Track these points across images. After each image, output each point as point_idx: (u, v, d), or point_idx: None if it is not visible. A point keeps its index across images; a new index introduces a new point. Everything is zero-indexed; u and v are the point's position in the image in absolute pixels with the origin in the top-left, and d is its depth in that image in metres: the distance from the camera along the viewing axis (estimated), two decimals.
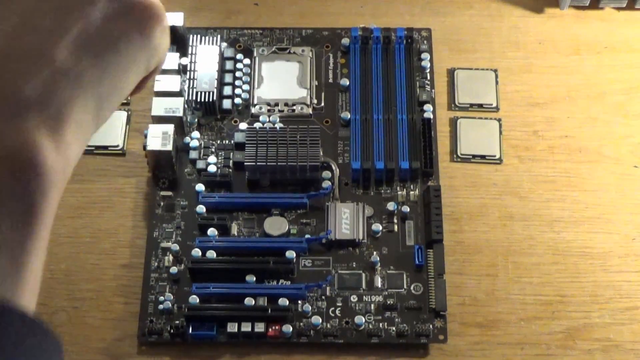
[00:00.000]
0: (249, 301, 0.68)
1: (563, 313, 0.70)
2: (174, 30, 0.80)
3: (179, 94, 0.77)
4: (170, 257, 0.71)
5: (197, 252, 0.70)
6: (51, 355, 0.33)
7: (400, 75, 0.79)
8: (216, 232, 0.71)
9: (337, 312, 0.69)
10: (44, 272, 0.73)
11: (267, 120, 0.77)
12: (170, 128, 0.73)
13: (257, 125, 0.76)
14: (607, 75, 0.81)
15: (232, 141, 0.76)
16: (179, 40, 0.80)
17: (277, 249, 0.71)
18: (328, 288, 0.70)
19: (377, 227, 0.72)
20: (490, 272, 0.72)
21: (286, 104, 0.78)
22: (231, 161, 0.75)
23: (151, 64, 0.41)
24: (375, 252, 0.72)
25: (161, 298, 0.69)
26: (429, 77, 0.80)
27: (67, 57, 0.36)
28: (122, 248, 0.73)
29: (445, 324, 0.69)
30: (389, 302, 0.69)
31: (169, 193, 0.74)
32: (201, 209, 0.72)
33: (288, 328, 0.68)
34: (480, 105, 0.79)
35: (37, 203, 0.33)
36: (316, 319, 0.68)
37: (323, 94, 0.79)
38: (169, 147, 0.73)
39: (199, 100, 0.77)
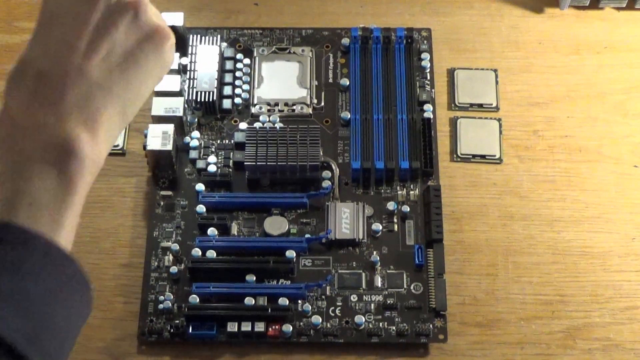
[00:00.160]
0: (249, 301, 0.68)
1: (563, 312, 0.70)
2: (174, 30, 0.80)
3: (179, 93, 0.77)
4: (170, 257, 0.71)
5: (197, 251, 0.70)
6: (82, 287, 0.45)
7: (400, 75, 0.79)
8: (216, 232, 0.71)
9: (337, 311, 0.69)
10: None
11: (267, 120, 0.77)
12: (170, 128, 0.73)
13: (257, 125, 0.76)
14: (607, 75, 0.81)
15: (232, 141, 0.76)
16: (179, 40, 0.80)
17: (277, 248, 0.71)
18: (328, 288, 0.70)
19: (377, 226, 0.72)
20: (490, 271, 0.72)
21: (286, 104, 0.78)
22: (231, 161, 0.75)
23: (163, 74, 0.52)
24: (375, 252, 0.72)
25: (161, 298, 0.69)
26: (429, 77, 0.80)
27: (99, 73, 0.47)
28: (122, 248, 0.73)
29: (445, 323, 0.69)
30: (389, 302, 0.69)
31: (169, 193, 0.74)
32: (201, 208, 0.72)
33: (288, 328, 0.68)
34: (480, 105, 0.79)
35: (75, 179, 0.45)
36: (316, 319, 0.68)
37: (323, 94, 0.79)
38: (169, 147, 0.73)
39: (199, 100, 0.77)
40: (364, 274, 0.71)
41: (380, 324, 0.69)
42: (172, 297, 0.69)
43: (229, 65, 0.80)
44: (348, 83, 0.79)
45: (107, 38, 0.47)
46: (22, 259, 0.42)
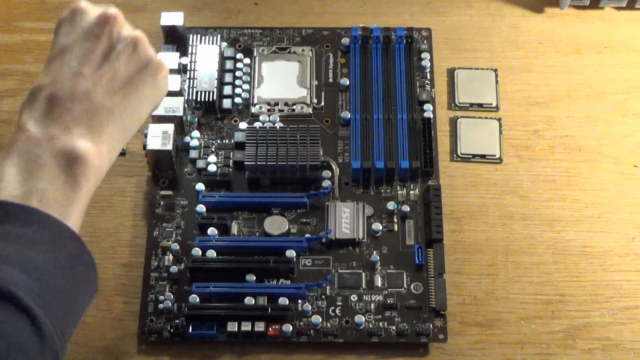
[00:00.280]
0: (249, 300, 0.68)
1: (563, 312, 0.70)
2: (174, 29, 0.80)
3: (179, 93, 0.77)
4: (170, 257, 0.71)
5: (197, 251, 0.70)
6: (88, 266, 0.51)
7: (400, 74, 0.79)
8: (216, 232, 0.71)
9: (337, 311, 0.69)
10: None
11: (267, 119, 0.77)
12: (170, 127, 0.73)
13: (257, 124, 0.76)
14: (607, 75, 0.81)
15: (232, 140, 0.76)
16: (179, 40, 0.80)
17: (277, 248, 0.71)
18: (328, 287, 0.70)
19: (377, 226, 0.72)
20: (490, 271, 0.72)
21: (286, 104, 0.78)
22: (231, 160, 0.75)
23: (158, 100, 0.59)
24: (375, 252, 0.72)
25: (161, 297, 0.69)
26: (429, 77, 0.80)
27: (103, 96, 0.54)
28: (122, 247, 0.73)
29: (445, 323, 0.69)
30: (389, 302, 0.69)
31: (169, 192, 0.74)
32: (201, 208, 0.72)
33: (288, 327, 0.68)
34: (480, 105, 0.79)
35: (80, 182, 0.51)
36: (316, 318, 0.68)
37: (323, 94, 0.79)
38: (169, 147, 0.73)
39: (199, 99, 0.77)
40: (364, 274, 0.71)
41: (380, 323, 0.69)
42: (172, 296, 0.69)
43: (229, 65, 0.80)
44: (348, 83, 0.79)
45: (110, 66, 0.55)
46: (34, 232, 0.48)
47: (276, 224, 0.72)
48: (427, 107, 0.78)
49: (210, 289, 0.69)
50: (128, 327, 0.69)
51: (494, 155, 0.77)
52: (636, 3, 0.84)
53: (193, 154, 0.76)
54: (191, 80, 0.78)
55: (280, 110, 0.78)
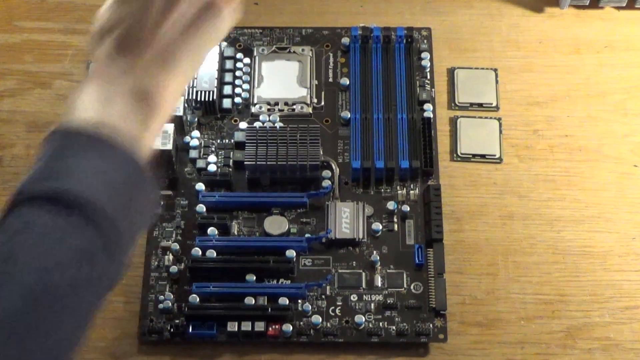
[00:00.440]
0: (249, 300, 0.68)
1: (563, 312, 0.70)
2: None
3: None
4: (170, 256, 0.71)
5: (197, 251, 0.70)
6: (154, 189, 0.52)
7: (400, 74, 0.79)
8: (216, 232, 0.71)
9: (337, 311, 0.69)
10: None
11: (267, 119, 0.77)
12: (170, 127, 0.73)
13: (257, 124, 0.76)
14: (607, 75, 0.81)
15: (232, 140, 0.76)
16: None
17: (277, 248, 0.71)
18: (328, 287, 0.70)
19: (377, 226, 0.72)
20: (491, 271, 0.72)
21: (286, 103, 0.78)
22: (231, 160, 0.75)
23: (219, 39, 0.58)
24: (375, 252, 0.72)
25: (161, 297, 0.69)
26: (429, 77, 0.80)
27: (168, 37, 0.54)
28: None
29: (445, 323, 0.69)
30: (389, 301, 0.69)
31: (169, 192, 0.74)
32: (201, 208, 0.72)
33: (288, 327, 0.68)
34: (480, 105, 0.79)
35: (148, 119, 0.53)
36: (316, 318, 0.68)
37: (323, 93, 0.79)
38: (169, 146, 0.73)
39: (199, 99, 0.77)
40: (364, 274, 0.71)
41: (380, 323, 0.69)
42: (172, 296, 0.69)
43: (229, 64, 0.80)
44: (348, 82, 0.79)
45: (174, 9, 0.55)
46: (103, 158, 0.49)
47: (276, 224, 0.72)
48: (427, 106, 0.78)
49: (210, 289, 0.69)
50: (128, 327, 0.69)
51: (494, 155, 0.77)
52: (636, 3, 0.84)
53: (193, 153, 0.76)
54: (191, 80, 0.78)
55: (280, 110, 0.78)
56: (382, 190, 0.75)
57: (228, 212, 0.73)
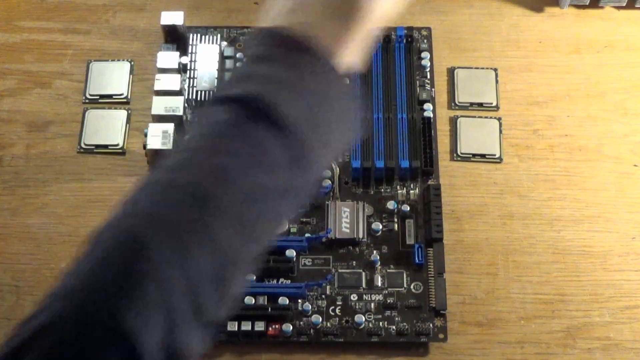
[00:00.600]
0: (249, 300, 0.68)
1: (563, 312, 0.70)
2: (174, 29, 0.80)
3: (179, 92, 0.76)
4: None
5: None
6: (354, 111, 0.51)
7: (400, 74, 0.79)
8: None
9: (337, 311, 0.69)
10: (43, 272, 0.72)
11: None
12: (170, 127, 0.73)
13: None
14: (607, 74, 0.81)
15: None
16: (179, 40, 0.80)
17: (277, 247, 0.71)
18: (328, 287, 0.70)
19: (377, 225, 0.72)
20: (490, 270, 0.72)
21: None
22: None
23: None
24: (375, 251, 0.72)
25: None
26: (429, 76, 0.80)
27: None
28: None
29: (445, 322, 0.69)
30: (389, 301, 0.69)
31: None
32: None
33: (288, 327, 0.68)
34: (480, 104, 0.79)
35: (351, 26, 0.50)
36: (316, 318, 0.68)
37: None
38: (169, 146, 0.73)
39: (199, 99, 0.77)
40: (364, 273, 0.71)
41: (380, 323, 0.69)
42: None
43: (229, 64, 0.80)
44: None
45: None
46: (309, 67, 0.48)
47: None
48: (427, 106, 0.78)
49: None
50: None
51: (494, 155, 0.77)
52: (636, 3, 0.84)
53: None
54: (191, 80, 0.78)
55: None
56: (382, 190, 0.75)
57: None
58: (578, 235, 0.73)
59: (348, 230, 0.72)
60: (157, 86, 0.76)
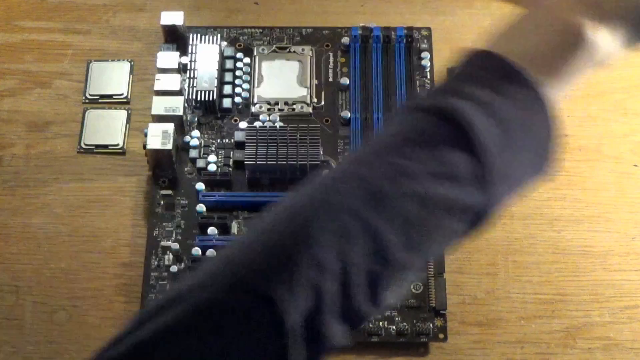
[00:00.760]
0: None
1: (563, 312, 0.70)
2: (174, 29, 0.80)
3: (179, 92, 0.77)
4: (171, 256, 0.71)
5: (197, 250, 0.70)
6: (548, 147, 0.51)
7: (401, 74, 0.79)
8: (216, 231, 0.71)
9: None
10: (43, 272, 0.72)
11: (267, 119, 0.77)
12: (170, 127, 0.73)
13: (257, 124, 0.76)
14: (607, 74, 0.81)
15: (232, 140, 0.76)
16: (179, 40, 0.80)
17: None
18: None
19: None
20: (491, 270, 0.72)
21: (286, 103, 0.78)
22: (231, 160, 0.75)
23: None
24: None
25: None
26: (429, 76, 0.80)
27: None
28: (122, 247, 0.73)
29: (445, 322, 0.69)
30: None
31: (169, 192, 0.74)
32: (201, 207, 0.72)
33: None
34: None
35: (570, 56, 0.51)
36: None
37: (323, 93, 0.79)
38: (169, 146, 0.73)
39: (199, 99, 0.77)
40: None
41: (380, 323, 0.69)
42: None
43: (229, 64, 0.80)
44: (348, 82, 0.79)
45: None
46: (512, 90, 0.48)
47: None
48: None
49: None
50: None
51: None
52: None
53: (193, 153, 0.76)
54: (191, 80, 0.78)
55: (280, 110, 0.78)
56: None
57: (228, 211, 0.73)
58: (578, 235, 0.73)
59: None
60: (157, 86, 0.76)
